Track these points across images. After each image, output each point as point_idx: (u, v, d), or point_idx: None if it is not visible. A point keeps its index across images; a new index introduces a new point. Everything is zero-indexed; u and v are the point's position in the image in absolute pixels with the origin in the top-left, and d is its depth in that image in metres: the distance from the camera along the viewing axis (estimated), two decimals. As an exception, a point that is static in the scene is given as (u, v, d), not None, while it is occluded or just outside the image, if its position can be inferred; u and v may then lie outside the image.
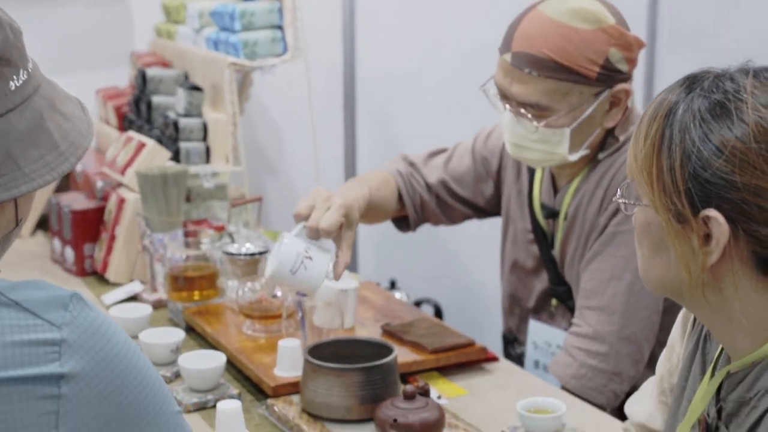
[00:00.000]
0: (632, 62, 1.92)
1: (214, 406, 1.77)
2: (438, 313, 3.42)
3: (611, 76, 1.89)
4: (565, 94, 1.89)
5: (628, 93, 1.93)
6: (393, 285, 3.35)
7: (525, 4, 1.97)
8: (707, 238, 1.09)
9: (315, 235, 1.87)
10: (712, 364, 1.19)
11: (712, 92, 1.10)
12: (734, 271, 1.10)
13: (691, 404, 1.20)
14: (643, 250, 1.18)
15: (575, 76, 1.87)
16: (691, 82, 1.13)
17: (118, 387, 1.06)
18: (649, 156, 1.12)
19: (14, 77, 1.09)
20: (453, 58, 3.63)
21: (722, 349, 1.19)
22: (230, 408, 1.61)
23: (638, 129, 1.15)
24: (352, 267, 3.61)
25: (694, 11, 3.76)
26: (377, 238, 3.61)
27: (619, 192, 1.19)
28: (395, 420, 1.57)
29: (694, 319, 1.29)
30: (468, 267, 3.68)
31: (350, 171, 3.67)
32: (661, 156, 1.10)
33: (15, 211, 1.15)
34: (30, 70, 1.13)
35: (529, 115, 1.92)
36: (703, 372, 1.21)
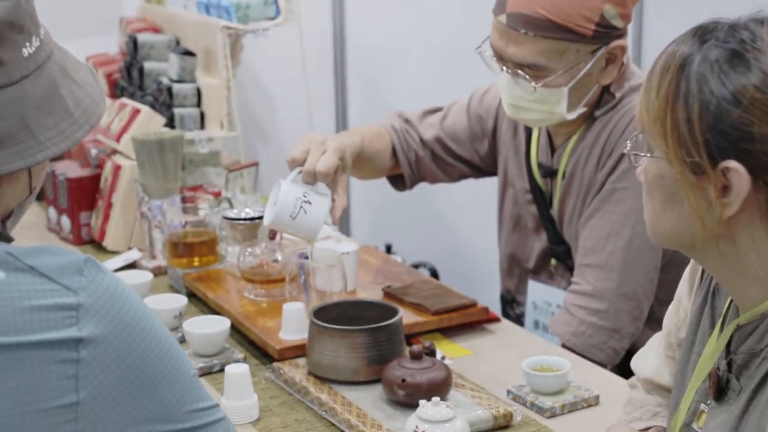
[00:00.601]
0: (627, 18, 1.92)
1: (220, 371, 1.78)
2: (434, 276, 3.43)
3: (607, 33, 1.89)
4: (562, 53, 1.89)
5: (624, 49, 1.93)
6: (389, 249, 3.36)
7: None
8: (725, 189, 1.09)
9: (312, 179, 1.87)
10: (721, 318, 1.21)
11: (727, 42, 1.09)
12: (752, 222, 1.10)
13: (700, 358, 1.21)
14: (653, 203, 1.17)
15: (571, 35, 1.87)
16: (704, 33, 1.12)
17: (136, 350, 1.06)
18: (663, 108, 1.11)
19: (27, 44, 1.09)
20: (442, 21, 3.61)
21: (731, 303, 1.20)
22: (238, 371, 1.62)
23: (648, 81, 1.15)
24: (346, 231, 3.62)
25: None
26: (371, 203, 3.61)
27: (628, 144, 1.19)
28: (403, 380, 1.58)
29: (702, 274, 1.30)
30: (462, 230, 3.69)
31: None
32: (677, 107, 1.10)
33: (29, 179, 1.15)
34: (42, 37, 1.12)
35: (527, 76, 1.92)
36: (712, 326, 1.22)
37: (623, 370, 1.92)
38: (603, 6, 1.87)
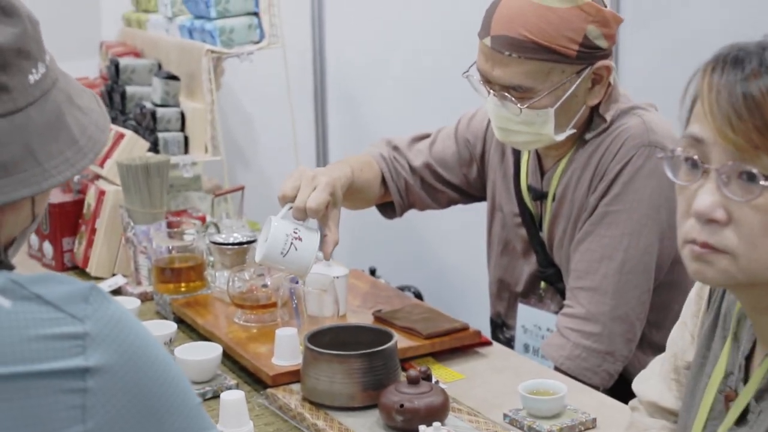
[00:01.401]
0: (611, 38, 1.93)
1: (213, 398, 1.76)
2: (419, 299, 3.43)
3: (591, 53, 1.90)
4: (547, 74, 1.90)
5: (609, 69, 1.95)
6: (373, 273, 3.36)
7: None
8: None
9: (302, 215, 1.86)
10: (731, 337, 1.20)
11: None
12: None
13: (710, 380, 1.21)
14: None
15: (555, 56, 1.88)
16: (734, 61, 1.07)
17: (143, 379, 1.05)
18: None
19: (33, 70, 1.08)
20: (421, 43, 3.63)
21: (738, 323, 1.20)
22: (234, 398, 1.61)
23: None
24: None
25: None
26: (353, 227, 3.60)
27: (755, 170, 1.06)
28: (401, 405, 1.57)
29: (709, 297, 1.30)
30: (445, 253, 3.69)
31: (322, 157, 3.67)
32: None
33: (32, 206, 1.13)
34: (48, 63, 1.11)
35: (513, 98, 1.92)
36: (723, 348, 1.22)
37: (614, 392, 1.92)
38: (586, 26, 1.88)
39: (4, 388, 0.97)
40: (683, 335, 1.37)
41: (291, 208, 1.87)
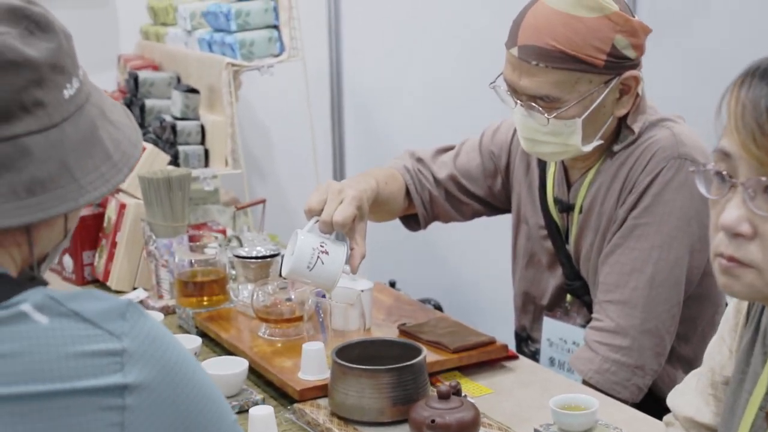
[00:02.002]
0: (639, 48, 1.92)
1: (239, 413, 1.75)
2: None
3: (619, 63, 1.89)
4: (574, 84, 1.88)
5: (637, 80, 1.93)
6: (393, 286, 3.34)
7: (509, 2, 1.96)
8: None
9: (329, 229, 1.85)
10: None
11: None
12: None
13: (751, 396, 1.19)
14: None
15: (583, 65, 1.87)
16: None
17: (180, 395, 1.04)
18: None
19: (68, 85, 1.07)
20: (437, 57, 3.62)
21: None
22: (263, 414, 1.59)
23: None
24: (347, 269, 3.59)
25: (673, 2, 3.78)
26: (372, 240, 3.59)
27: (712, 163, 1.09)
28: (433, 420, 1.56)
29: (748, 312, 1.28)
30: (464, 266, 3.68)
31: (338, 170, 3.66)
32: None
33: (65, 222, 1.13)
34: (81, 78, 1.10)
35: (540, 108, 1.91)
36: (765, 364, 1.21)
37: (642, 407, 1.90)
38: (614, 36, 1.87)
39: (43, 406, 0.96)
40: (721, 350, 1.35)
41: (317, 221, 1.86)
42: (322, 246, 1.80)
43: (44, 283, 1.12)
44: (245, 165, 3.44)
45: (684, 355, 2.03)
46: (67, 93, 1.08)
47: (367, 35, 3.60)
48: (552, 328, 2.14)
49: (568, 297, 2.12)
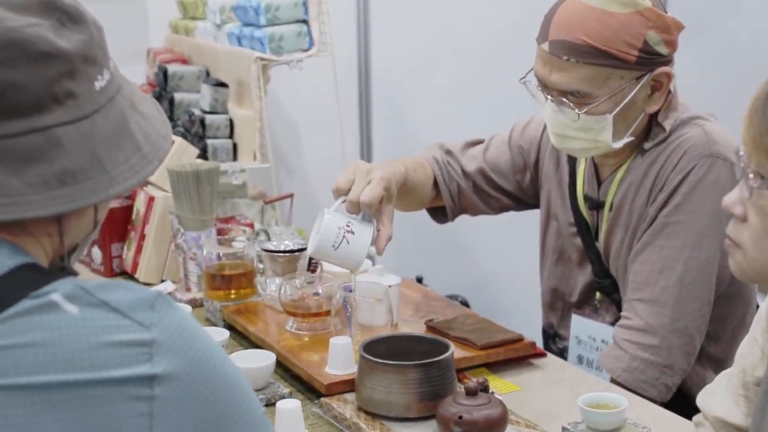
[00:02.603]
0: (672, 45, 1.90)
1: (266, 406, 1.75)
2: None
3: (651, 59, 1.87)
4: (605, 79, 1.87)
5: (669, 76, 1.91)
6: (420, 281, 3.33)
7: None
8: None
9: (355, 209, 1.84)
10: None
11: None
12: None
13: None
14: None
15: (614, 61, 1.85)
16: None
17: (209, 387, 1.04)
18: None
19: (99, 77, 1.08)
20: (465, 51, 3.61)
21: None
22: (290, 407, 1.59)
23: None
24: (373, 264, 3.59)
25: (704, 1, 3.75)
26: (399, 235, 3.59)
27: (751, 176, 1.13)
28: (460, 417, 1.55)
29: (781, 313, 1.27)
30: (492, 262, 3.66)
31: (366, 165, 3.65)
32: None
33: (95, 213, 1.13)
34: (112, 69, 1.11)
35: (570, 104, 1.90)
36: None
37: (671, 406, 1.88)
38: (646, 32, 1.85)
39: (72, 395, 0.97)
40: (753, 351, 1.34)
41: (344, 201, 1.86)
42: (348, 226, 1.80)
43: (74, 274, 1.12)
44: (274, 159, 3.46)
45: (714, 355, 2.02)
46: (98, 84, 1.08)
47: (396, 30, 3.59)
48: (580, 326, 2.13)
49: (597, 295, 2.11)
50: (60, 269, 1.10)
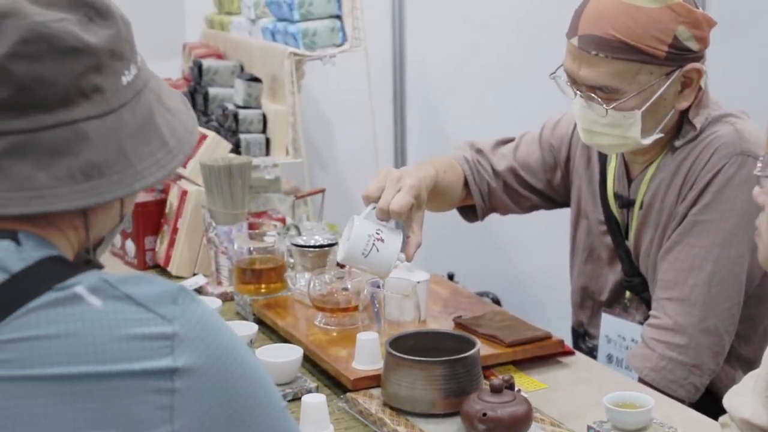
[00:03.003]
0: (703, 41, 1.88)
1: (293, 400, 1.76)
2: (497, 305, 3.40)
3: (681, 55, 1.86)
4: (634, 75, 1.86)
5: (700, 73, 1.89)
6: (451, 278, 3.33)
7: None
8: None
9: (385, 216, 1.85)
10: None
11: None
12: None
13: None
14: None
15: (643, 56, 1.84)
16: None
17: (230, 380, 1.05)
18: None
19: (126, 71, 1.09)
20: (501, 47, 3.60)
21: None
22: (315, 402, 1.60)
23: None
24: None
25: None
26: (432, 232, 3.59)
27: (759, 165, 1.16)
28: (484, 414, 1.55)
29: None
30: (525, 259, 3.65)
31: (400, 161, 3.65)
32: None
33: (121, 207, 1.14)
34: (140, 64, 1.12)
35: (599, 99, 1.89)
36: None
37: (700, 406, 1.87)
38: (676, 27, 1.84)
39: (94, 387, 0.98)
40: (780, 351, 1.32)
41: (374, 208, 1.87)
42: (378, 233, 1.81)
43: (100, 267, 1.14)
44: (307, 154, 3.47)
45: (744, 355, 2.00)
46: (125, 79, 1.09)
47: (431, 24, 3.59)
48: (610, 325, 2.12)
49: (627, 293, 2.10)
50: (86, 262, 1.12)
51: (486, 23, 3.62)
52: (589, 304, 2.20)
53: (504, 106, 3.48)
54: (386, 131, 3.63)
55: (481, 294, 3.38)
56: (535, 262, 3.59)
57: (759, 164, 1.15)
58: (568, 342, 2.25)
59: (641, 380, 1.92)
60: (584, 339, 2.23)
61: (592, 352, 2.18)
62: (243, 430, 1.06)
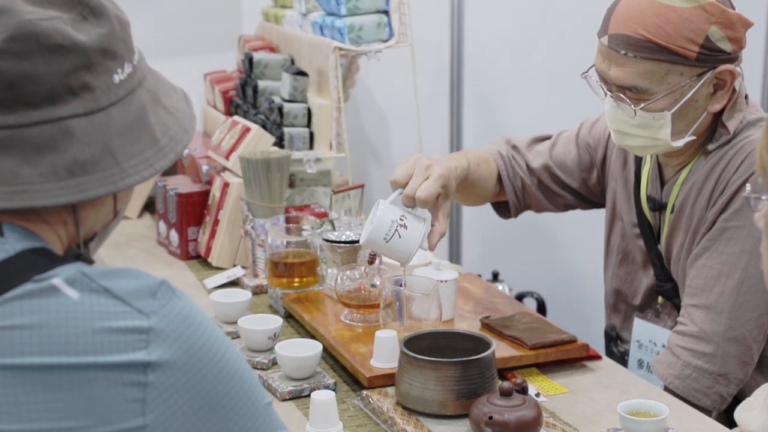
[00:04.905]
0: (737, 42, 1.83)
1: (309, 395, 1.76)
2: (541, 306, 3.36)
3: (713, 56, 1.81)
4: (664, 75, 1.82)
5: (733, 75, 1.84)
6: (495, 277, 3.30)
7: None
8: None
9: (411, 203, 1.84)
10: None
11: None
12: None
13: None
14: None
15: (673, 56, 1.80)
16: None
17: (206, 377, 1.05)
18: None
19: (119, 70, 1.10)
20: (560, 44, 3.55)
21: None
22: (324, 398, 1.60)
23: None
24: (456, 258, 3.58)
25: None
26: (481, 229, 3.56)
27: (748, 186, 1.12)
28: (490, 417, 1.54)
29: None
30: (572, 259, 3.60)
31: (455, 158, 3.62)
32: None
33: (114, 203, 1.16)
34: (135, 63, 1.13)
35: (628, 99, 1.85)
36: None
37: (730, 417, 1.83)
38: (708, 28, 1.79)
39: (67, 377, 0.99)
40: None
41: (401, 193, 1.86)
42: (402, 219, 1.80)
43: (89, 261, 1.15)
44: (359, 148, 3.47)
45: (776, 365, 1.95)
46: (118, 78, 1.10)
47: (490, 19, 3.56)
48: (642, 330, 2.09)
49: (659, 299, 2.06)
50: (76, 256, 1.13)
51: (545, 17, 3.57)
52: (622, 308, 2.17)
53: (563, 103, 3.43)
54: (442, 127, 3.61)
55: (525, 294, 3.35)
56: (581, 263, 3.54)
57: (748, 186, 1.11)
58: (601, 345, 2.22)
59: (666, 388, 1.88)
60: (617, 343, 2.20)
61: (623, 357, 2.15)
62: (219, 427, 1.07)
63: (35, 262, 1.04)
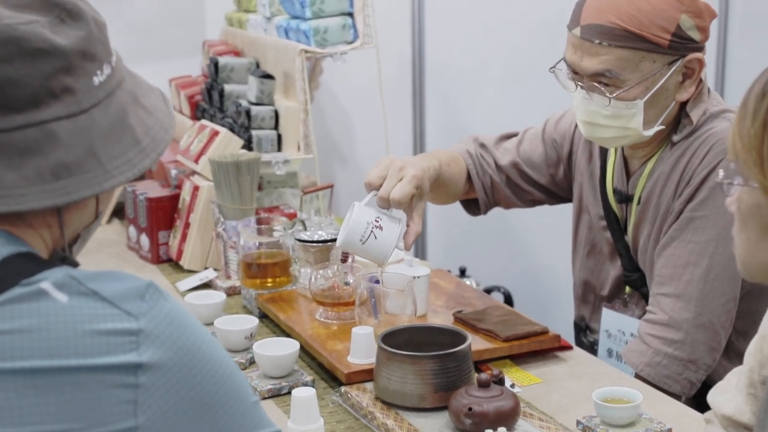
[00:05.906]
0: (704, 31, 1.89)
1: (289, 393, 1.79)
2: (508, 300, 3.40)
3: (683, 44, 1.86)
4: (637, 63, 1.86)
5: (701, 63, 1.90)
6: (463, 273, 3.34)
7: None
8: None
9: (386, 205, 1.87)
10: None
11: None
12: None
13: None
14: (748, 234, 1.13)
15: (647, 44, 1.84)
16: None
17: (196, 377, 1.06)
18: (759, 135, 1.07)
19: (98, 72, 1.10)
20: (518, 44, 3.59)
21: None
22: (305, 396, 1.62)
23: (743, 108, 1.10)
24: (422, 254, 3.61)
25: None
26: (447, 226, 3.60)
27: (721, 172, 1.14)
28: (470, 408, 1.57)
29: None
30: (537, 254, 3.65)
31: (420, 157, 3.65)
32: None
33: (96, 205, 1.16)
34: (113, 64, 1.14)
35: (601, 88, 1.89)
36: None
37: (699, 402, 1.87)
38: (680, 16, 1.84)
39: (57, 380, 1.00)
40: (761, 348, 1.33)
41: (376, 195, 1.88)
42: (377, 221, 1.83)
43: (74, 264, 1.16)
44: (325, 149, 3.49)
45: (743, 351, 1.98)
46: (97, 80, 1.11)
47: (451, 22, 3.59)
48: (610, 320, 2.13)
49: (627, 289, 2.10)
50: (61, 260, 1.14)
51: (506, 21, 3.61)
52: (590, 299, 2.21)
53: (524, 104, 3.48)
54: (405, 128, 3.65)
55: (493, 288, 3.39)
56: (546, 256, 3.59)
57: (722, 172, 1.13)
58: (570, 336, 2.26)
59: (637, 375, 1.92)
60: (586, 333, 2.24)
61: (593, 347, 2.19)
62: (210, 426, 1.08)
63: (23, 267, 1.05)
